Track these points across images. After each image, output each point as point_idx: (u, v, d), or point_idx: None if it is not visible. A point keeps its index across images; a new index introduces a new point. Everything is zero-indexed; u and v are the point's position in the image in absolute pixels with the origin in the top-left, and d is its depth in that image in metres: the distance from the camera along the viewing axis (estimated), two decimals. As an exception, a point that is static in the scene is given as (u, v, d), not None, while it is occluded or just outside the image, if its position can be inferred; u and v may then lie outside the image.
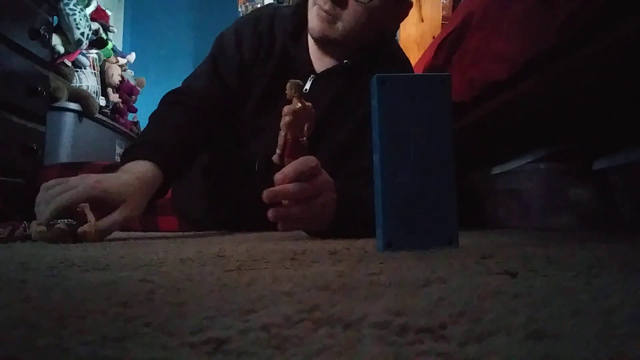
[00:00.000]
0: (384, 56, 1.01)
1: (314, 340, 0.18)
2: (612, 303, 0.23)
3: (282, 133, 0.72)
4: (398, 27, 1.01)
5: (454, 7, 2.04)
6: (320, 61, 1.00)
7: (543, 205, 1.05)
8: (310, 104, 0.73)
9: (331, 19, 0.89)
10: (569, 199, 1.02)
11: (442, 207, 0.53)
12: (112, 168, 1.25)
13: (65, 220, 0.70)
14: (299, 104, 0.71)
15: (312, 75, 0.99)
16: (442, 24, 2.01)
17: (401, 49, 1.14)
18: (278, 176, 0.68)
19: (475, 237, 0.77)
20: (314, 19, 0.92)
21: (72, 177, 0.74)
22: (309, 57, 1.00)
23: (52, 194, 0.71)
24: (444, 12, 2.08)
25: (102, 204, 0.71)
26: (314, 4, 0.91)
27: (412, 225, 0.52)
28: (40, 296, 0.26)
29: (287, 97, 0.72)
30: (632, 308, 0.22)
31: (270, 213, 0.68)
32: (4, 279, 0.34)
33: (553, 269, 0.36)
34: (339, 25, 0.90)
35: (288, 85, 0.72)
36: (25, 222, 0.72)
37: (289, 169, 0.68)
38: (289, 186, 0.67)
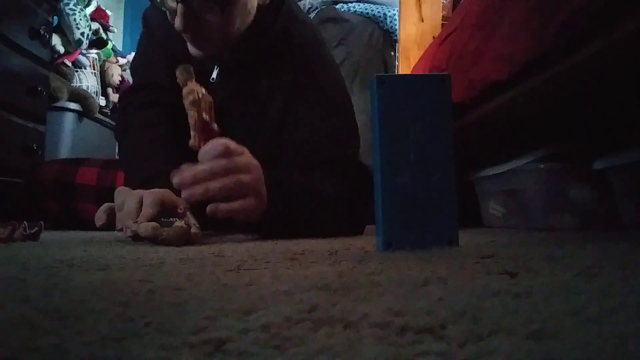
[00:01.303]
0: (280, 31, 0.90)
1: (314, 340, 0.18)
2: (612, 303, 0.23)
3: (191, 114, 0.69)
4: None
5: (454, 7, 2.04)
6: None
7: (543, 205, 1.05)
8: (203, 89, 0.70)
9: (197, 39, 0.81)
10: (569, 198, 1.02)
11: (442, 207, 0.53)
12: (112, 163, 1.25)
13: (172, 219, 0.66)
14: (194, 86, 0.69)
15: (216, 66, 0.91)
16: (442, 24, 2.00)
17: (292, 11, 0.95)
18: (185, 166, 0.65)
19: (475, 237, 0.77)
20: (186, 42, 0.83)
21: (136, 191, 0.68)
22: None
23: (123, 203, 0.66)
24: (444, 12, 2.07)
25: (172, 208, 0.68)
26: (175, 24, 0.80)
27: (412, 225, 0.52)
28: (40, 296, 0.26)
29: (180, 84, 0.69)
30: (632, 308, 0.22)
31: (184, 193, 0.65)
32: (4, 278, 0.34)
33: (553, 269, 0.36)
34: (209, 40, 0.81)
35: (177, 71, 0.70)
36: (25, 222, 0.71)
37: (201, 153, 0.66)
38: (200, 166, 0.65)
